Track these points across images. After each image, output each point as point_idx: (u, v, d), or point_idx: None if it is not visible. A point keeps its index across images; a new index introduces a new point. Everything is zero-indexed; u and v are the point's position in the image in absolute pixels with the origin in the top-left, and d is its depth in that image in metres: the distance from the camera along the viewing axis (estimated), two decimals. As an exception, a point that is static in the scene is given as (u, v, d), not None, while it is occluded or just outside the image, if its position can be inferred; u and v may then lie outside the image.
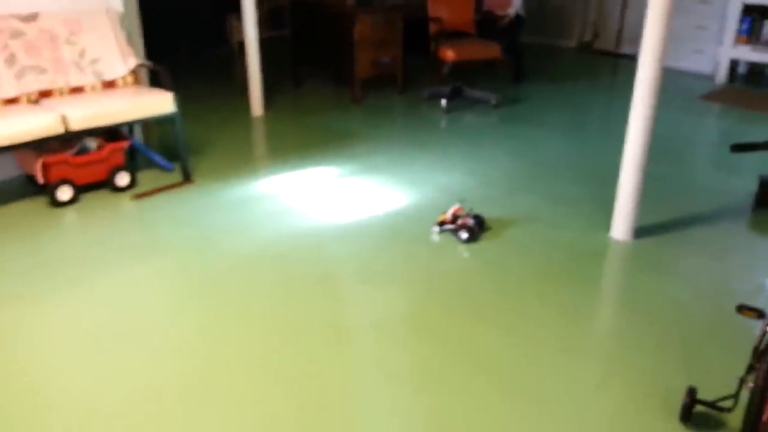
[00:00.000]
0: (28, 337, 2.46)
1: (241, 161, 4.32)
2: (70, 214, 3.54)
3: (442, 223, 3.25)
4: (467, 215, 3.22)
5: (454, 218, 3.23)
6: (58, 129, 3.41)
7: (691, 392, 2.02)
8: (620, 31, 7.69)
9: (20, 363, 2.32)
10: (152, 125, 4.92)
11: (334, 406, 2.12)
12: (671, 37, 6.44)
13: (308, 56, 6.05)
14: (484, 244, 3.17)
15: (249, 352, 2.38)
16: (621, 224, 3.17)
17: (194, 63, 7.36)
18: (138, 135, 4.52)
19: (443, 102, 5.41)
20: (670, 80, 6.32)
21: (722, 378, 2.22)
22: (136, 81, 4.11)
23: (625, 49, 7.62)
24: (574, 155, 4.42)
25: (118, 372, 2.27)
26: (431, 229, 3.29)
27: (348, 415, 2.08)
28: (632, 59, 7.42)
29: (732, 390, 2.01)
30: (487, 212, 3.47)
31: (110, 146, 3.76)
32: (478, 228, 3.19)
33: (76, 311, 2.63)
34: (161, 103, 3.76)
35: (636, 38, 7.42)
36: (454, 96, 5.61)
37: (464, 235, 3.14)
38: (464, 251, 3.10)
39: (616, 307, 2.70)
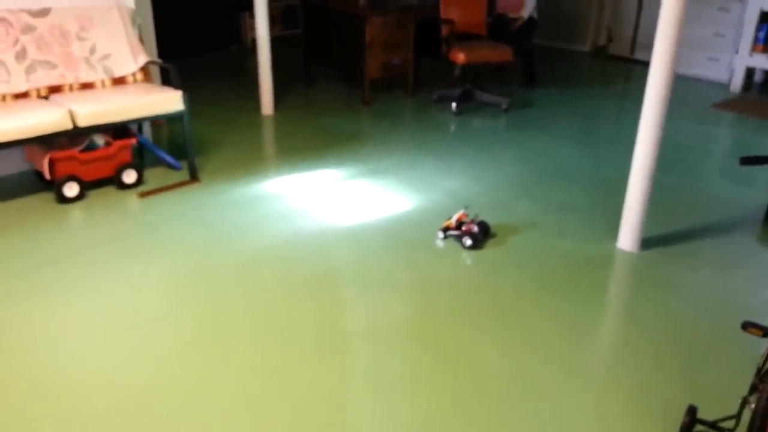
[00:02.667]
0: (31, 334, 2.47)
1: (249, 161, 4.32)
2: (76, 211, 3.55)
3: (446, 229, 3.23)
4: (472, 221, 3.20)
5: (459, 224, 3.21)
6: (65, 125, 3.42)
7: (692, 411, 1.99)
8: (635, 36, 7.62)
9: (22, 359, 2.32)
10: (162, 123, 4.93)
11: (327, 412, 2.10)
12: (686, 44, 6.41)
13: (320, 56, 6.04)
14: (488, 251, 3.15)
15: (246, 355, 2.38)
16: (628, 235, 3.13)
17: (207, 61, 7.38)
18: (147, 132, 4.53)
19: (453, 105, 5.39)
20: (683, 87, 6.25)
21: (724, 397, 2.19)
22: (147, 78, 4.12)
23: (640, 55, 7.55)
24: (584, 163, 4.38)
25: (118, 371, 2.27)
26: (436, 235, 3.27)
27: (340, 422, 2.07)
28: (646, 66, 7.35)
29: (734, 410, 1.97)
30: (493, 218, 3.44)
31: (118, 143, 3.77)
32: (482, 235, 3.17)
33: (78, 310, 2.63)
34: (170, 101, 3.76)
35: (651, 44, 7.35)
36: (464, 99, 5.58)
37: (468, 241, 3.12)
38: (467, 258, 3.08)
39: (618, 320, 2.67)
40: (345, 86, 6.29)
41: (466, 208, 3.35)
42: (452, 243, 3.21)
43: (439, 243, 3.21)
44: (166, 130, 4.91)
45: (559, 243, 3.24)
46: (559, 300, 2.76)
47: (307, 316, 2.62)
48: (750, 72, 6.39)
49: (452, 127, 5.10)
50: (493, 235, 3.29)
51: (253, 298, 2.73)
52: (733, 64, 6.39)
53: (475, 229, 3.14)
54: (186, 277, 2.89)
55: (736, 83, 6.31)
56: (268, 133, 4.97)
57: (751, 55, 6.20)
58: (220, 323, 2.56)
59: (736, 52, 6.33)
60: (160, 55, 4.87)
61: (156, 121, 4.73)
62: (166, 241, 3.21)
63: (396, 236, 3.28)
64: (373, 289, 2.81)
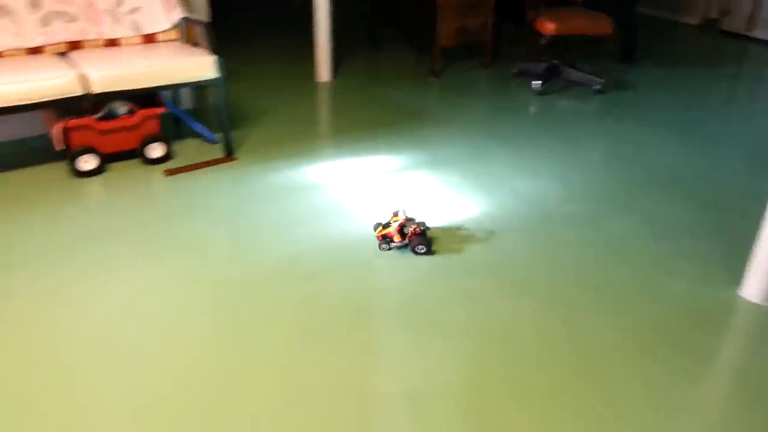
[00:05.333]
0: (25, 336, 2.02)
1: (293, 138, 3.76)
2: (91, 187, 3.10)
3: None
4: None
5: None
6: (75, 90, 2.93)
7: None
8: (755, 9, 6.55)
9: (12, 367, 1.88)
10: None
11: None
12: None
13: (387, 17, 5.36)
14: (573, 290, 2.49)
15: (248, 419, 1.85)
16: (756, 281, 2.41)
17: (267, 17, 6.81)
18: (187, 99, 4.03)
19: (537, 83, 4.64)
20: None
21: None
22: (191, 38, 3.59)
23: (759, 33, 6.51)
24: (694, 167, 3.60)
25: (108, 391, 1.79)
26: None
27: None
28: (766, 45, 6.32)
29: None
30: (575, 238, 2.78)
31: (142, 112, 3.27)
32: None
33: (67, 317, 2.16)
34: (201, 67, 3.21)
35: (776, 20, 6.29)
36: (550, 76, 4.82)
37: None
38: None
39: (744, 409, 1.99)
40: (415, 52, 5.61)
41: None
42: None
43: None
44: (214, 92, 4.40)
45: (661, 282, 2.55)
46: (659, 367, 2.10)
47: (327, 364, 2.05)
48: None
49: (533, 110, 4.38)
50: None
51: (267, 332, 2.19)
52: None
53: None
54: (191, 289, 2.37)
55: None
56: (321, 104, 4.39)
57: None
58: (222, 360, 2.04)
59: None
60: (217, 9, 4.32)
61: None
62: (182, 234, 2.71)
63: (453, 254, 2.67)
64: (418, 332, 2.22)
